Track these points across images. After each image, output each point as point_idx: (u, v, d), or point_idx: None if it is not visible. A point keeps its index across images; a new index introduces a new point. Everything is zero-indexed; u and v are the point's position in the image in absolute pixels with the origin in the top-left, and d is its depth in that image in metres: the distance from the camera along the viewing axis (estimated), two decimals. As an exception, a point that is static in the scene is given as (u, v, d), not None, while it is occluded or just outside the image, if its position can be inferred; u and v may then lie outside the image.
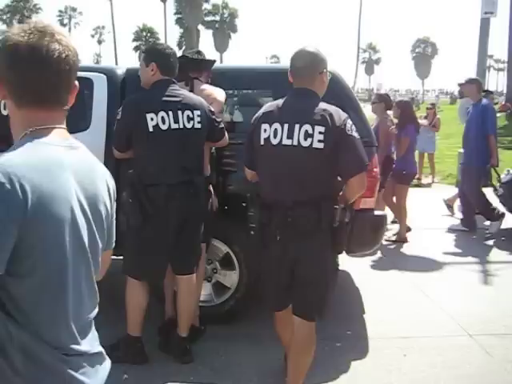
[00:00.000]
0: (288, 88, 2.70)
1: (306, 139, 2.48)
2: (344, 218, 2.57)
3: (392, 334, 3.80)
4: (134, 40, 74.27)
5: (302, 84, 2.62)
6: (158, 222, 3.14)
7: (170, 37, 72.51)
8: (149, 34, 74.43)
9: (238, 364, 3.33)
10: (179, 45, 65.71)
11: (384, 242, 5.91)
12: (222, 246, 3.81)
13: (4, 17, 71.51)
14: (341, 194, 2.63)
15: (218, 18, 70.74)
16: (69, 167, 1.24)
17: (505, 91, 26.46)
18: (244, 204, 3.26)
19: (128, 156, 3.26)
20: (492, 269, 5.31)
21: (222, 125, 3.37)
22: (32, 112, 1.26)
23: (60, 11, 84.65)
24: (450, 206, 7.47)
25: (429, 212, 7.54)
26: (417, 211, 7.04)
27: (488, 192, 6.70)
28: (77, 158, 1.30)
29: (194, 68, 3.56)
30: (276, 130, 2.55)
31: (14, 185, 1.10)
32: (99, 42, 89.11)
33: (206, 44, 70.30)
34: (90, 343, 1.31)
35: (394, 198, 6.33)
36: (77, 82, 1.35)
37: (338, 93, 3.64)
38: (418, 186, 10.17)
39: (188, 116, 3.16)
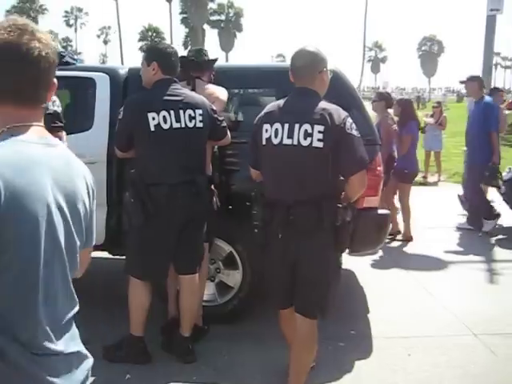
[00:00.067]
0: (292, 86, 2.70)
1: (305, 138, 2.50)
2: (346, 217, 2.57)
3: (396, 333, 3.78)
4: (140, 40, 74.39)
5: (302, 83, 2.64)
6: (159, 222, 3.13)
7: (176, 36, 72.56)
8: (154, 34, 74.57)
9: (241, 364, 3.32)
10: (185, 44, 65.74)
11: (391, 241, 5.91)
12: (225, 245, 3.80)
13: (10, 18, 71.74)
14: (343, 193, 2.64)
15: (223, 17, 70.80)
16: (45, 165, 1.24)
17: (512, 89, 26.29)
18: (247, 203, 3.27)
19: (130, 156, 3.26)
20: (497, 268, 5.27)
21: (224, 123, 3.36)
22: (10, 109, 1.26)
23: (66, 12, 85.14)
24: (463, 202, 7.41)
25: (434, 211, 7.50)
26: (422, 210, 7.01)
27: (491, 190, 6.67)
28: (54, 155, 1.29)
29: (195, 68, 3.55)
30: (277, 129, 2.57)
31: None
32: (105, 42, 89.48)
33: (212, 43, 70.44)
34: (67, 343, 1.29)
35: (396, 197, 6.31)
36: (55, 80, 1.34)
37: (341, 91, 3.63)
38: (424, 184, 10.14)
39: (190, 115, 3.15)
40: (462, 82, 7.00)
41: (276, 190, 2.63)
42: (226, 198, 3.59)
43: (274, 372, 3.17)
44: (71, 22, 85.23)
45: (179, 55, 3.36)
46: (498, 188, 6.66)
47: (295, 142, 2.52)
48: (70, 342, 1.31)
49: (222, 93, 3.56)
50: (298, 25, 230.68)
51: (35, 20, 72.44)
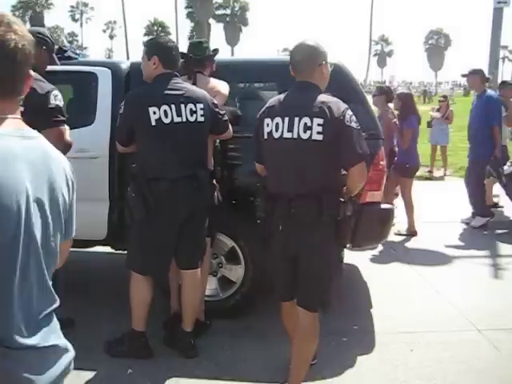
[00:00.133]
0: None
1: (305, 132, 2.51)
2: (346, 212, 2.58)
3: (399, 328, 3.76)
4: (146, 34, 74.26)
5: (302, 77, 2.66)
6: (160, 217, 3.12)
7: (181, 31, 72.45)
8: (160, 29, 74.49)
9: (243, 359, 3.31)
10: (190, 39, 65.55)
11: (393, 236, 5.88)
12: (227, 240, 3.79)
13: (16, 13, 72.00)
14: (345, 188, 2.64)
15: (228, 11, 70.67)
16: (22, 157, 1.23)
17: (519, 82, 26.01)
18: (249, 198, 3.27)
19: (131, 150, 3.25)
20: (501, 263, 5.24)
21: (226, 117, 3.35)
22: None
23: (72, 6, 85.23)
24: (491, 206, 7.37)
25: (440, 205, 7.45)
26: (428, 204, 6.98)
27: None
28: (32, 147, 1.28)
29: (195, 63, 3.53)
30: (277, 123, 2.60)
31: None
32: (111, 36, 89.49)
33: (218, 38, 70.02)
34: (44, 336, 1.28)
35: (399, 192, 6.28)
36: (32, 72, 1.34)
37: (344, 85, 3.61)
38: (430, 179, 10.09)
39: (191, 109, 3.13)
40: (463, 76, 6.95)
41: (277, 184, 2.66)
42: (227, 192, 3.58)
43: (276, 367, 3.16)
44: (77, 16, 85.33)
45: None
46: (501, 182, 6.61)
47: (295, 136, 2.54)
48: (50, 336, 1.30)
49: (223, 87, 3.55)
50: (303, 19, 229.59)
51: (41, 15, 72.60)
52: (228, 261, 3.85)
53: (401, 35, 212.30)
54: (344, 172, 2.63)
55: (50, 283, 1.32)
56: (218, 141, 3.51)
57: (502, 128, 6.60)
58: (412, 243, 5.97)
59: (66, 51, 4.07)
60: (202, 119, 3.17)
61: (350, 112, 2.55)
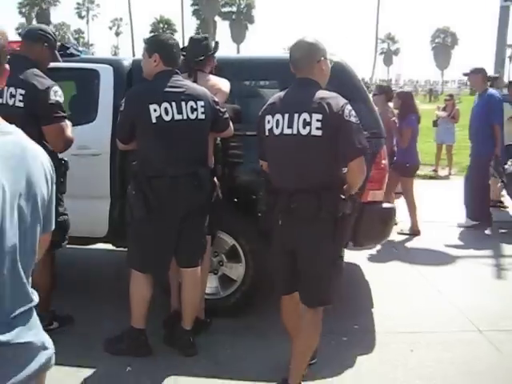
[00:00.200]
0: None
1: (304, 127, 2.54)
2: (346, 209, 2.58)
3: (400, 328, 3.74)
4: (152, 32, 74.18)
5: (302, 74, 2.68)
6: (161, 214, 3.12)
7: (187, 28, 72.28)
8: (166, 26, 74.50)
9: (243, 358, 3.30)
10: (196, 36, 65.60)
11: (396, 235, 5.86)
12: (228, 238, 3.78)
13: (23, 10, 72.25)
14: (346, 186, 2.64)
15: (234, 8, 70.62)
16: None
17: (526, 81, 25.83)
18: (250, 196, 3.27)
19: (132, 148, 3.24)
20: (504, 263, 5.21)
21: (227, 115, 3.34)
22: None
23: (78, 3, 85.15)
24: (498, 201, 7.31)
25: (444, 205, 7.40)
26: (433, 204, 6.94)
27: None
28: (8, 143, 1.27)
29: (196, 62, 3.51)
30: (278, 120, 2.63)
31: None
32: (117, 34, 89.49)
33: (223, 35, 70.01)
34: (18, 333, 1.26)
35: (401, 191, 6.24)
36: (7, 66, 1.32)
37: (346, 83, 3.59)
38: (435, 178, 10.05)
39: (191, 107, 3.12)
40: (465, 75, 6.89)
41: (279, 179, 2.70)
42: (228, 190, 3.57)
43: (276, 366, 3.14)
44: (83, 13, 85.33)
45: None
46: (502, 181, 6.56)
47: (295, 132, 2.56)
48: (27, 333, 1.29)
49: (224, 84, 3.53)
50: (309, 16, 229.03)
51: (47, 12, 72.75)
52: (229, 259, 3.84)
53: (407, 34, 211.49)
54: (345, 170, 2.62)
55: (27, 282, 1.30)
56: (218, 138, 3.49)
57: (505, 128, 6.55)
58: (414, 243, 5.94)
59: (68, 48, 4.07)
60: (202, 117, 3.16)
61: (349, 107, 2.56)
